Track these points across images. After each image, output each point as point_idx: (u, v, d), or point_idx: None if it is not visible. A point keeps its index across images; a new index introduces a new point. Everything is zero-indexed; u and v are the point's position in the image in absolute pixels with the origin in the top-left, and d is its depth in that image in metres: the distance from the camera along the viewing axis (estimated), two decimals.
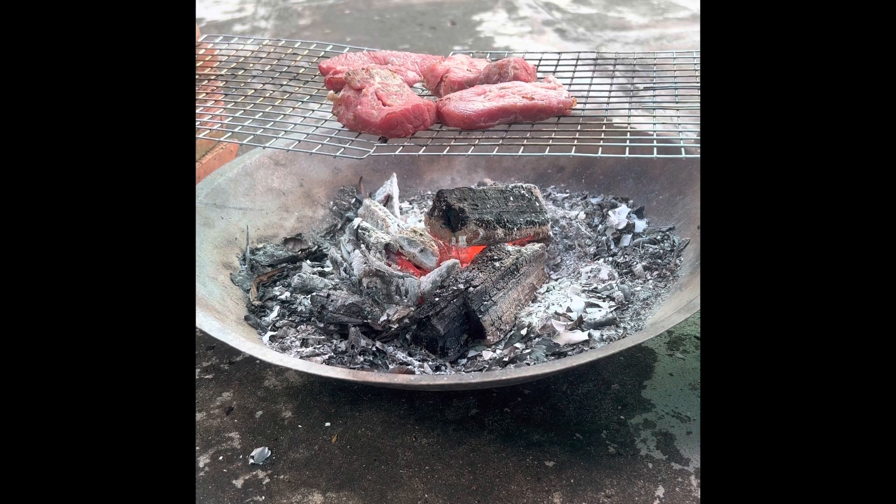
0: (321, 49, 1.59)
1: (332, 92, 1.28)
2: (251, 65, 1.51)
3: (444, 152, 1.14)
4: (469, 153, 1.13)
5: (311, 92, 1.39)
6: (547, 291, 1.40)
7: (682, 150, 1.09)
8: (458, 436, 1.21)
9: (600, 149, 1.11)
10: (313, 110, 1.33)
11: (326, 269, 1.47)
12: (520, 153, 1.12)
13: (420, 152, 1.15)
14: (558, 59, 1.51)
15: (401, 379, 1.05)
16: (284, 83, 1.43)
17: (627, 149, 1.13)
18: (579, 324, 1.26)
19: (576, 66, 1.47)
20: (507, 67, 1.30)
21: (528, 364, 1.18)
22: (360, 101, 1.21)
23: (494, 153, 1.13)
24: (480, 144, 1.16)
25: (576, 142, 1.12)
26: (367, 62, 1.44)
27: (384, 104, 1.20)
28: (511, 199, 1.43)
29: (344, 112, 1.23)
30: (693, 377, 1.31)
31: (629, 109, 1.28)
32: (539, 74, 1.38)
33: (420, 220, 1.55)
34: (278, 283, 1.45)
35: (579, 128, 1.19)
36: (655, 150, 1.09)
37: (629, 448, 1.17)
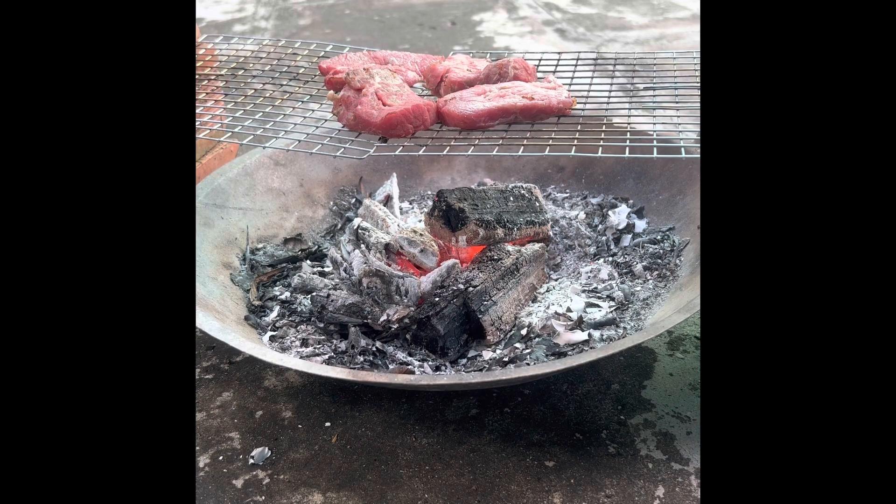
0: (321, 49, 1.59)
1: (332, 92, 1.28)
2: (251, 65, 1.51)
3: (445, 152, 1.14)
4: (469, 153, 1.13)
5: (311, 92, 1.39)
6: (547, 291, 1.40)
7: (682, 150, 1.09)
8: (459, 436, 1.21)
9: (600, 149, 1.11)
10: (313, 110, 1.33)
11: (326, 269, 1.47)
12: (520, 153, 1.12)
13: (420, 152, 1.15)
14: (558, 59, 1.51)
15: (401, 379, 1.05)
16: (284, 83, 1.43)
17: (627, 149, 1.13)
18: (579, 324, 1.26)
19: (576, 66, 1.47)
20: (508, 67, 1.30)
21: (527, 364, 1.18)
22: (360, 101, 1.21)
23: (494, 153, 1.13)
24: (480, 144, 1.16)
25: (576, 142, 1.12)
26: (367, 62, 1.44)
27: (384, 104, 1.20)
28: (511, 199, 1.43)
29: (344, 112, 1.23)
30: (693, 377, 1.31)
31: (629, 109, 1.28)
32: (539, 74, 1.38)
33: (420, 220, 1.55)
34: (278, 283, 1.45)
35: (579, 128, 1.19)
36: (655, 150, 1.09)
37: (629, 448, 1.17)
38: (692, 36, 3.07)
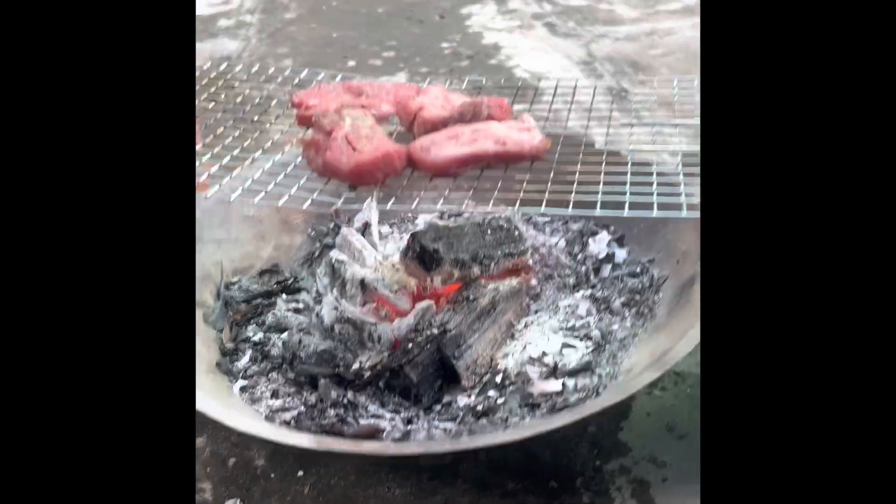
0: (295, 76, 1.55)
1: (301, 135, 1.26)
2: (221, 96, 1.48)
3: (413, 206, 1.12)
4: (438, 207, 1.11)
5: (282, 128, 1.36)
6: (525, 328, 1.39)
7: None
8: (432, 486, 1.20)
9: (570, 204, 1.08)
10: (283, 152, 1.30)
11: (301, 306, 1.45)
12: (489, 207, 1.10)
13: (388, 206, 1.13)
14: (536, 90, 1.47)
15: (366, 448, 1.04)
16: (255, 118, 1.40)
17: (598, 204, 1.10)
18: (554, 371, 1.25)
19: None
20: (482, 107, 1.27)
21: (501, 418, 1.17)
22: (330, 146, 1.18)
23: (464, 208, 1.10)
24: (449, 197, 1.13)
25: (547, 194, 1.10)
26: (340, 94, 1.42)
27: (354, 149, 1.18)
28: (489, 231, 1.39)
29: (313, 157, 1.21)
30: (670, 417, 1.30)
31: (605, 140, 1.26)
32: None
33: (399, 249, 1.52)
34: (252, 321, 1.43)
35: (552, 175, 1.16)
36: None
37: (604, 497, 1.17)
38: (684, 31, 3.01)
